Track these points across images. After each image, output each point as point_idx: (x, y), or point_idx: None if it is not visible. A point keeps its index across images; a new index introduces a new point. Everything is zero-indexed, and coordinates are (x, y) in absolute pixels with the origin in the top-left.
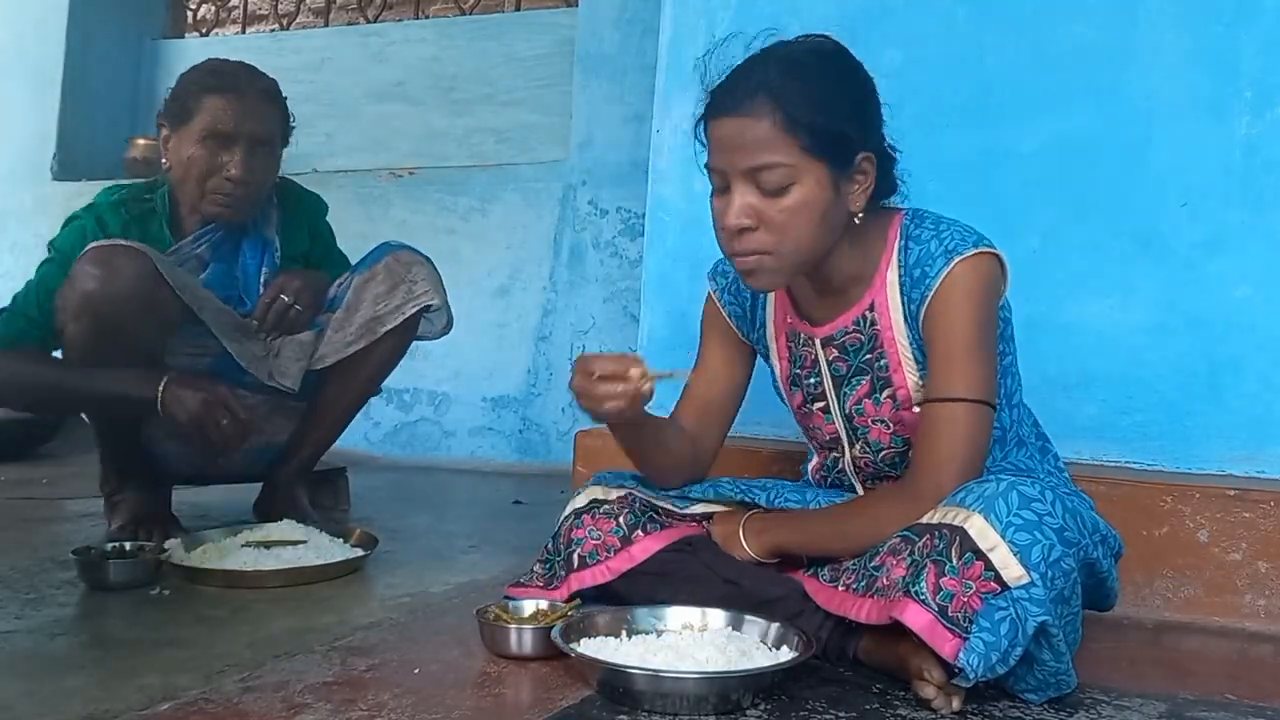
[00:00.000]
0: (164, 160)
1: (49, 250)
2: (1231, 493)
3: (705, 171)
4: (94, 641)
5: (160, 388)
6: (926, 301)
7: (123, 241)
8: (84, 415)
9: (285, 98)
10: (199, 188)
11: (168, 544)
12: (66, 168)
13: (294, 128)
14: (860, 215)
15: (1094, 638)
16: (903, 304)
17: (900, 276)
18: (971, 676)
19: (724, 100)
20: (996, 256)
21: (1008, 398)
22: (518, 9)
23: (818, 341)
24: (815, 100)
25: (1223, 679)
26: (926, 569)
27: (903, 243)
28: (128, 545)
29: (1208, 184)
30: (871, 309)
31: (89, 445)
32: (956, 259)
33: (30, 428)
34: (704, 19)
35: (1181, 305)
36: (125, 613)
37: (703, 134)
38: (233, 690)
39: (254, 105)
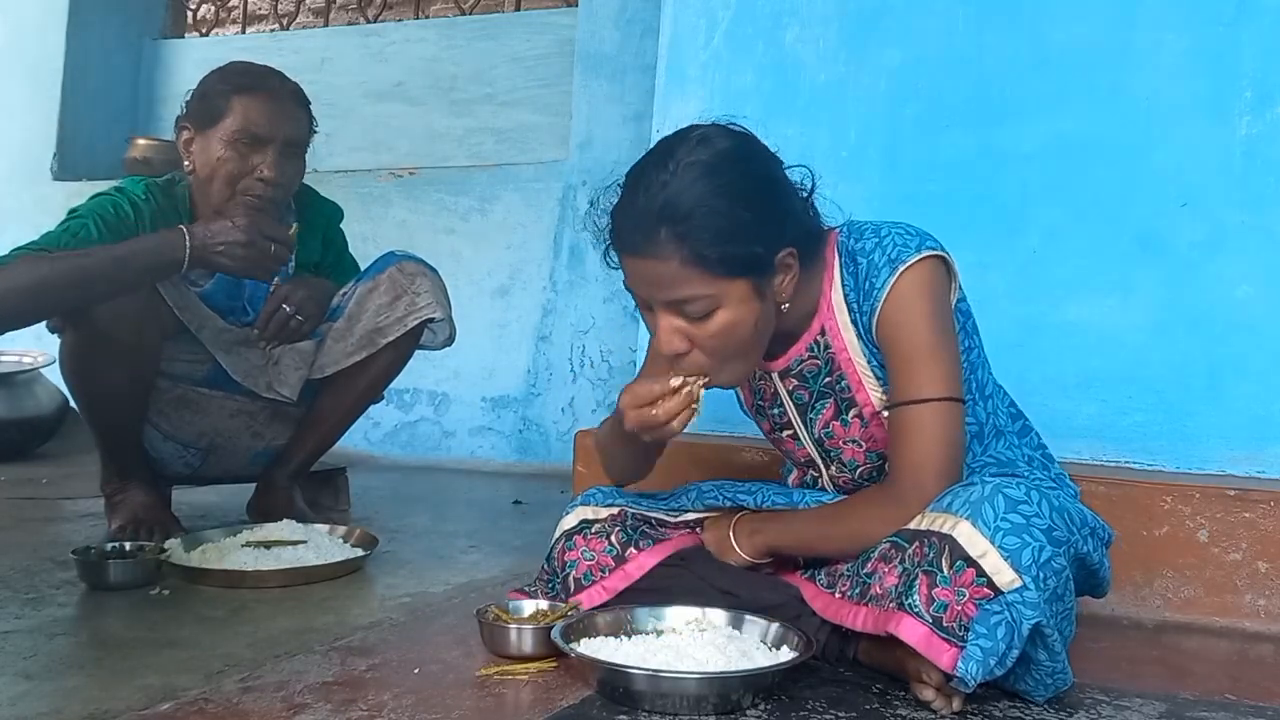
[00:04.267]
0: (186, 162)
1: (69, 215)
2: (1231, 493)
3: (627, 289)
4: (94, 641)
5: (187, 249)
6: (876, 313)
7: None
8: (82, 413)
9: (310, 104)
10: (228, 189)
11: (168, 544)
12: (66, 168)
13: (316, 132)
14: (786, 305)
15: (1094, 637)
16: (853, 322)
17: (846, 295)
18: (970, 683)
19: (627, 240)
20: (941, 256)
21: (980, 390)
22: (518, 9)
23: (775, 375)
24: (719, 230)
25: (1223, 679)
26: (918, 579)
27: (844, 260)
28: (128, 545)
29: (1208, 184)
30: (823, 333)
31: (89, 445)
32: (901, 267)
33: (30, 428)
34: (704, 19)
35: (1181, 305)
36: (125, 613)
37: (615, 258)
38: (233, 690)
39: (287, 107)
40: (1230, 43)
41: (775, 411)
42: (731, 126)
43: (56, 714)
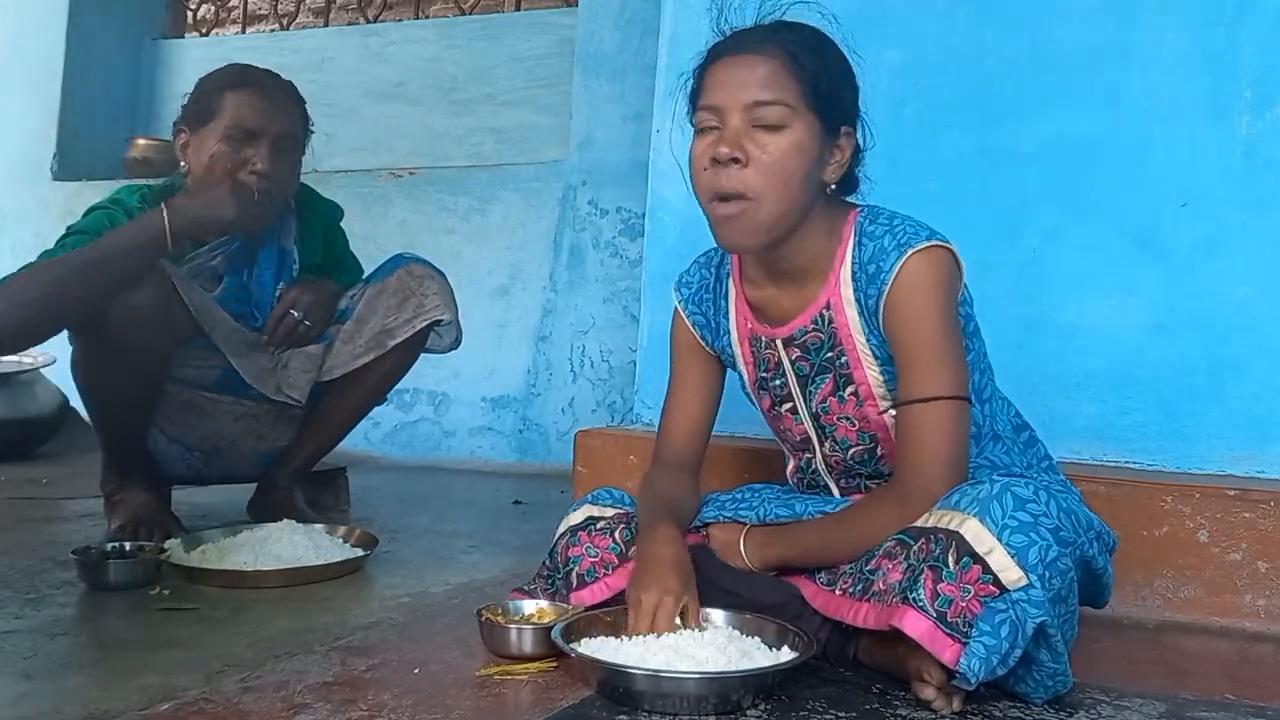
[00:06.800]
0: (183, 165)
1: (67, 232)
2: (1231, 493)
3: (691, 120)
4: (94, 641)
5: (165, 218)
6: (883, 296)
7: None
8: (84, 413)
9: (305, 102)
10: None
11: (168, 544)
12: (66, 168)
13: (312, 132)
14: (832, 186)
15: (1094, 638)
16: (858, 300)
17: (854, 272)
18: (972, 680)
19: (735, 42)
20: (950, 250)
21: (977, 393)
22: (518, 9)
23: (779, 342)
24: (819, 58)
25: (1223, 679)
26: (924, 574)
27: (857, 239)
28: (128, 545)
29: (1208, 184)
30: (828, 308)
31: (89, 445)
32: (910, 251)
33: (30, 428)
34: (704, 19)
35: (1181, 305)
36: (125, 613)
37: (696, 82)
38: (233, 690)
39: (279, 102)
40: (1230, 42)
41: (777, 384)
42: None
43: (56, 714)
